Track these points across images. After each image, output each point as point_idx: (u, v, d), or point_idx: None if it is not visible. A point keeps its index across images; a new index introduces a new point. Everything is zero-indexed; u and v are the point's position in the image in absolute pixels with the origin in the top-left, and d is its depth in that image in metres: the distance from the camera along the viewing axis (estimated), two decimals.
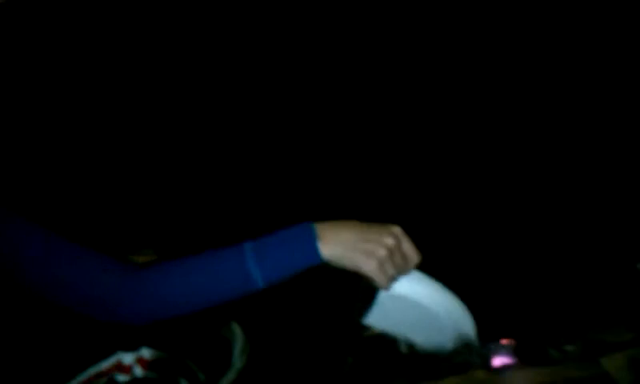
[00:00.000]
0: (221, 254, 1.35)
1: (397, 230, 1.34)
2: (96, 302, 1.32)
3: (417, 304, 1.39)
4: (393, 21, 2.33)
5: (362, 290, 1.40)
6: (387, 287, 1.36)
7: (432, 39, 2.32)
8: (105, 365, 1.68)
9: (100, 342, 1.70)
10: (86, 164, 2.25)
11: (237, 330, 1.83)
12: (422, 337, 1.45)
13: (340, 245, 1.32)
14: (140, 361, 1.68)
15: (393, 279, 1.36)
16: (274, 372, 1.84)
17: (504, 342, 1.62)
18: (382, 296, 1.39)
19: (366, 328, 1.79)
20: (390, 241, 1.32)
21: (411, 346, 1.74)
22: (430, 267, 1.37)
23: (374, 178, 2.29)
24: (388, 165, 2.29)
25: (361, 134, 2.36)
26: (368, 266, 1.32)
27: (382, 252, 1.31)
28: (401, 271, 1.37)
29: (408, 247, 1.35)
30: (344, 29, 2.33)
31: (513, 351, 1.61)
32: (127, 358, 1.69)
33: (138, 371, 1.69)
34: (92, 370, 1.68)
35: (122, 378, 1.68)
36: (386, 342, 1.78)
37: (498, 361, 1.58)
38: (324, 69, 2.34)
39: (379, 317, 1.43)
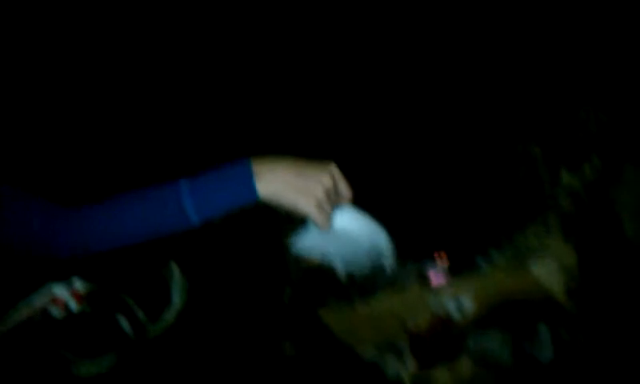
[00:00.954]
0: (157, 189, 1.33)
1: (333, 167, 1.29)
2: (30, 239, 1.31)
3: (346, 235, 1.42)
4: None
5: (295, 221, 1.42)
6: (324, 226, 1.36)
7: None
8: (37, 300, 1.62)
9: (29, 274, 1.65)
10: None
11: (174, 269, 1.83)
12: (347, 261, 1.49)
13: (278, 184, 1.27)
14: (74, 294, 1.62)
15: (328, 216, 1.34)
16: (213, 309, 1.85)
17: (437, 258, 1.69)
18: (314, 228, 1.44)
19: (304, 258, 1.83)
20: (326, 180, 1.28)
21: (349, 273, 1.79)
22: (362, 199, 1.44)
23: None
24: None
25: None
26: (307, 207, 1.28)
27: (320, 191, 1.26)
28: (335, 206, 1.38)
29: (342, 184, 1.35)
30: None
31: (445, 266, 1.67)
32: (60, 291, 1.62)
33: (73, 305, 1.64)
34: (23, 306, 1.62)
35: (57, 311, 1.63)
36: (324, 269, 1.83)
37: (432, 276, 1.64)
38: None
39: (310, 245, 1.45)
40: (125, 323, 1.66)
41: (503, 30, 2.03)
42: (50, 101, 2.09)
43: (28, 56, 2.10)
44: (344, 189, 1.29)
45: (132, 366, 1.75)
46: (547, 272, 1.47)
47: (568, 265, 1.48)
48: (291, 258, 1.92)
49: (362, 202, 1.38)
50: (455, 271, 1.68)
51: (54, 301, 1.57)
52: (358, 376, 1.76)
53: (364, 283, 1.82)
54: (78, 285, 1.57)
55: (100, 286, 1.60)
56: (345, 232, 1.32)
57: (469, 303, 1.56)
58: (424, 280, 1.67)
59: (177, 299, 1.78)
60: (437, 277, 1.69)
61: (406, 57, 2.14)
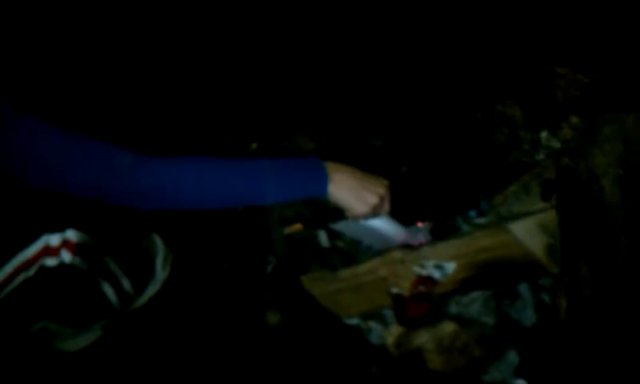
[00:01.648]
0: (241, 162, 1.44)
1: (387, 183, 1.57)
2: (102, 180, 1.41)
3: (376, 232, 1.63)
4: None
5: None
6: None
7: None
8: (31, 251, 1.61)
9: (23, 226, 1.64)
10: None
11: (157, 240, 1.82)
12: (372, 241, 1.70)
13: (345, 188, 1.52)
14: (67, 244, 1.61)
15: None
16: (198, 280, 1.86)
17: (420, 224, 1.70)
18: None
19: (286, 226, 1.85)
20: (382, 193, 1.54)
21: (332, 240, 1.80)
22: None
23: None
24: None
25: None
26: (361, 211, 1.54)
27: (375, 201, 1.53)
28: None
29: (387, 200, 1.57)
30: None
31: (429, 231, 1.68)
32: (54, 240, 1.62)
33: (66, 256, 1.63)
34: (18, 259, 1.61)
35: (50, 261, 1.61)
36: (307, 236, 1.84)
37: (416, 241, 1.65)
38: None
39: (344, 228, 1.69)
40: (110, 292, 1.66)
41: None
42: (49, 102, 2.09)
43: (28, 56, 2.11)
44: (388, 203, 1.56)
45: (117, 339, 1.75)
46: (528, 233, 1.48)
47: (548, 225, 1.49)
48: (275, 229, 1.92)
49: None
50: (437, 234, 1.69)
51: (48, 250, 1.56)
52: (341, 343, 1.77)
53: (347, 250, 1.83)
54: (70, 234, 1.56)
55: (92, 238, 1.59)
56: (375, 229, 1.60)
57: (450, 265, 1.57)
58: (406, 244, 1.68)
59: (160, 271, 1.78)
60: (418, 238, 1.71)
61: (377, 18, 2.15)
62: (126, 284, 1.66)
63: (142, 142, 2.08)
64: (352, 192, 1.53)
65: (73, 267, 1.55)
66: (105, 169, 1.41)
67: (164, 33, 2.22)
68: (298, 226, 1.88)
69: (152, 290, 1.76)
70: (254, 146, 2.10)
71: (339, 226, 1.70)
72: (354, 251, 1.84)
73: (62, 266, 1.54)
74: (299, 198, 1.54)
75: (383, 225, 1.62)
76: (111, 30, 2.18)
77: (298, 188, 1.51)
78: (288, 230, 1.90)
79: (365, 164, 1.87)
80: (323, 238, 1.87)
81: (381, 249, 1.66)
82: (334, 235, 1.84)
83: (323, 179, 1.51)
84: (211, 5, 2.26)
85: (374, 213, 1.56)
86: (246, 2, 2.26)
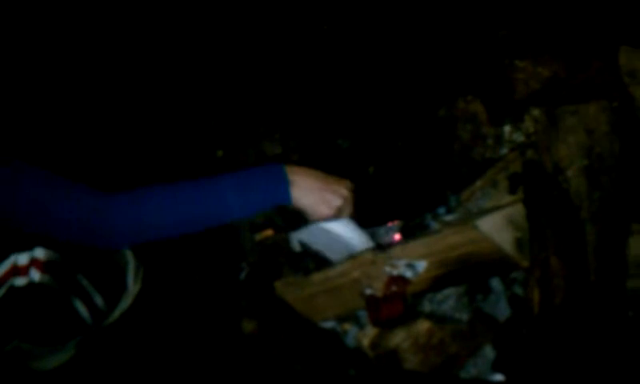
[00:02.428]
0: (201, 183, 1.43)
1: (350, 185, 1.58)
2: (76, 225, 1.46)
3: (338, 237, 1.63)
4: None
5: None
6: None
7: None
8: (0, 270, 1.61)
9: None
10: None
11: (128, 254, 1.81)
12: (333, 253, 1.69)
13: (307, 192, 1.53)
14: (35, 262, 1.61)
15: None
16: (169, 293, 1.85)
17: (390, 224, 1.70)
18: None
19: (256, 232, 1.84)
20: (345, 194, 1.55)
21: (303, 244, 1.80)
22: None
23: None
24: None
25: None
26: (325, 213, 1.56)
27: (339, 203, 1.55)
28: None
29: (351, 202, 1.58)
30: None
31: (399, 231, 1.68)
32: (22, 259, 1.61)
33: (35, 274, 1.62)
34: None
35: (19, 281, 1.61)
36: (279, 241, 1.83)
37: (384, 238, 1.65)
38: None
39: (307, 236, 1.69)
40: (82, 309, 1.64)
41: None
42: (49, 103, 2.08)
43: (28, 57, 2.09)
44: (350, 206, 1.57)
45: (91, 356, 1.73)
46: (496, 228, 1.48)
47: (516, 219, 1.50)
48: (245, 236, 1.91)
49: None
50: (406, 233, 1.70)
51: (16, 269, 1.55)
52: (318, 348, 1.76)
53: (317, 254, 1.83)
54: (39, 252, 1.55)
55: (61, 255, 1.58)
56: (337, 235, 1.61)
57: (421, 263, 1.57)
58: (377, 244, 1.68)
59: (132, 285, 1.76)
60: (389, 238, 1.71)
61: (340, 18, 2.15)
62: (99, 300, 1.65)
63: (106, 155, 2.06)
64: (315, 195, 1.54)
65: (42, 285, 1.54)
66: (71, 214, 1.42)
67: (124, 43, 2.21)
68: (268, 232, 1.87)
69: (124, 304, 1.75)
70: (220, 153, 2.09)
71: (301, 235, 1.70)
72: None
73: (31, 285, 1.53)
74: (264, 207, 1.54)
75: (344, 230, 1.61)
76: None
77: (262, 198, 1.52)
78: (259, 237, 1.89)
79: (332, 166, 1.87)
80: (295, 242, 1.86)
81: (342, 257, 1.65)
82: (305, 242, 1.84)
83: (285, 185, 1.52)
84: (174, 13, 2.25)
85: (338, 215, 1.55)
86: (207, 9, 2.25)
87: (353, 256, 1.65)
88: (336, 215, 1.57)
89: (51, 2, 2.14)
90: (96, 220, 1.43)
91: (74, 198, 1.42)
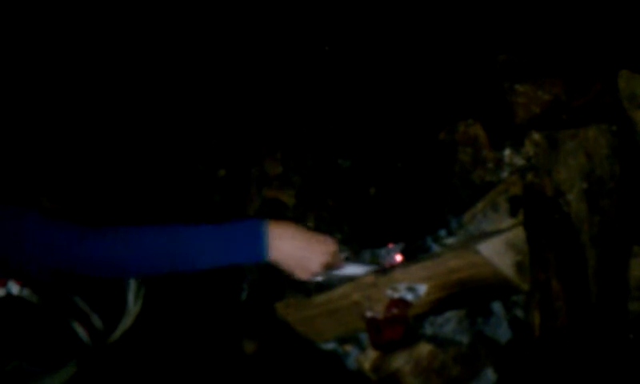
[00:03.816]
0: (177, 232, 1.43)
1: (333, 246, 1.53)
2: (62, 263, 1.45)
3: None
4: None
5: None
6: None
7: None
8: None
9: None
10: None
11: None
12: None
13: (285, 256, 1.51)
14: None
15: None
16: (170, 313, 1.85)
17: (391, 245, 1.70)
18: None
19: None
20: (325, 260, 1.53)
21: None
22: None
23: None
24: None
25: None
26: (301, 277, 1.54)
27: (317, 268, 1.52)
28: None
29: (337, 259, 1.57)
30: None
31: (400, 253, 1.68)
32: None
33: (13, 287, 1.61)
34: None
35: None
36: None
37: (386, 260, 1.65)
38: None
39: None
40: (80, 330, 1.64)
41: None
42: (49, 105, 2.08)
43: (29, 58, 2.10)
44: (338, 262, 1.56)
45: (92, 375, 1.73)
46: (496, 252, 1.48)
47: (516, 243, 1.49)
48: None
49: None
50: (408, 255, 1.69)
51: None
52: (318, 369, 1.76)
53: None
54: None
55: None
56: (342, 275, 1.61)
57: (422, 286, 1.57)
58: (379, 267, 1.68)
59: (132, 305, 1.76)
60: (390, 260, 1.71)
61: (343, 42, 2.16)
62: (97, 321, 1.65)
63: (108, 175, 2.07)
64: (292, 260, 1.50)
65: (21, 299, 1.53)
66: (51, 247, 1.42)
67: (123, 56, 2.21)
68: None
69: (125, 323, 1.75)
70: (222, 172, 2.09)
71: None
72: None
73: (8, 296, 1.52)
74: (239, 262, 1.51)
75: (347, 270, 1.61)
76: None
77: (234, 255, 1.47)
78: None
79: (333, 185, 1.86)
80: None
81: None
82: None
83: (261, 246, 1.48)
84: (169, 29, 2.25)
85: (328, 269, 1.55)
86: (205, 26, 2.26)
87: (354, 278, 1.65)
88: (325, 270, 1.54)
89: (51, 3, 2.15)
90: (70, 255, 1.42)
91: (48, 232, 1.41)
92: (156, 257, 1.46)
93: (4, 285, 1.52)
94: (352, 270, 1.62)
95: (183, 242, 1.47)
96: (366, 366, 1.66)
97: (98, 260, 1.43)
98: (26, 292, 1.53)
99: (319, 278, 1.57)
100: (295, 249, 1.49)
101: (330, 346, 1.75)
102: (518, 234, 1.50)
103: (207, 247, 1.46)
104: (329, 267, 1.54)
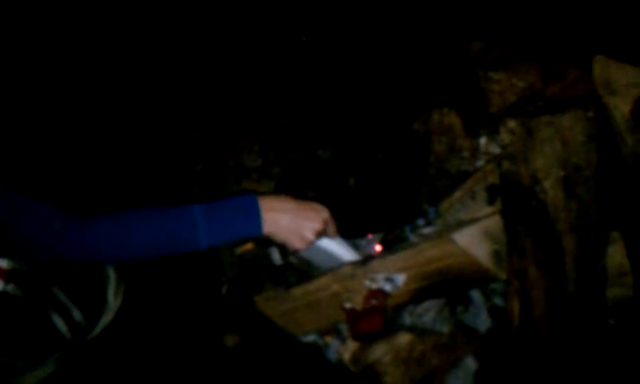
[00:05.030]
0: (170, 212, 1.42)
1: (326, 214, 1.53)
2: (43, 247, 1.40)
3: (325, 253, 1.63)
4: None
5: None
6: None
7: None
8: None
9: None
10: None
11: (109, 268, 1.80)
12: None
13: (279, 227, 1.49)
14: None
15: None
16: (151, 309, 1.84)
17: (371, 236, 1.69)
18: None
19: (237, 246, 1.83)
20: (318, 226, 1.51)
21: (284, 258, 1.79)
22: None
23: None
24: None
25: None
26: (297, 246, 1.52)
27: (311, 236, 1.51)
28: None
29: (331, 227, 1.55)
30: None
31: (379, 243, 1.68)
32: None
33: None
34: None
35: None
36: (259, 255, 1.82)
37: (364, 250, 1.65)
38: None
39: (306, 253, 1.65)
40: (60, 324, 1.63)
41: None
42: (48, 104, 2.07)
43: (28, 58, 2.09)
44: (332, 230, 1.55)
45: (71, 372, 1.72)
46: (473, 241, 1.47)
47: (493, 232, 1.49)
48: (225, 250, 1.90)
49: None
50: (386, 245, 1.69)
51: None
52: (299, 361, 1.76)
53: (300, 266, 1.82)
54: (1, 261, 1.54)
55: (32, 268, 1.56)
56: (325, 251, 1.60)
57: (400, 277, 1.56)
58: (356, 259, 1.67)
59: (113, 300, 1.75)
60: (370, 250, 1.70)
61: (319, 32, 2.15)
62: (77, 315, 1.63)
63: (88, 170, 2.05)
64: (287, 230, 1.49)
65: (6, 294, 1.52)
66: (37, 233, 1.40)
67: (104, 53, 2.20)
68: (249, 246, 1.86)
69: (105, 319, 1.74)
70: (199, 167, 2.08)
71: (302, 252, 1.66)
72: (307, 267, 1.83)
73: None
74: (233, 239, 1.50)
75: (333, 245, 1.60)
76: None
77: (232, 229, 1.47)
78: (240, 250, 1.88)
79: (312, 177, 1.86)
80: (275, 255, 1.85)
81: (331, 267, 1.65)
82: (286, 253, 1.83)
83: (257, 219, 1.48)
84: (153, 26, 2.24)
85: (320, 237, 1.54)
86: (186, 20, 2.25)
87: (332, 270, 1.64)
88: (321, 237, 1.54)
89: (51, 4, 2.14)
90: (57, 243, 1.40)
91: (34, 215, 1.39)
92: (156, 239, 1.45)
93: None
94: (341, 247, 1.61)
95: (177, 221, 1.45)
96: (346, 357, 1.66)
97: (99, 243, 1.41)
98: (11, 287, 1.52)
99: (308, 253, 1.58)
100: (289, 219, 1.49)
101: (311, 338, 1.75)
102: (495, 222, 1.50)
103: (203, 226, 1.45)
104: (323, 234, 1.53)
